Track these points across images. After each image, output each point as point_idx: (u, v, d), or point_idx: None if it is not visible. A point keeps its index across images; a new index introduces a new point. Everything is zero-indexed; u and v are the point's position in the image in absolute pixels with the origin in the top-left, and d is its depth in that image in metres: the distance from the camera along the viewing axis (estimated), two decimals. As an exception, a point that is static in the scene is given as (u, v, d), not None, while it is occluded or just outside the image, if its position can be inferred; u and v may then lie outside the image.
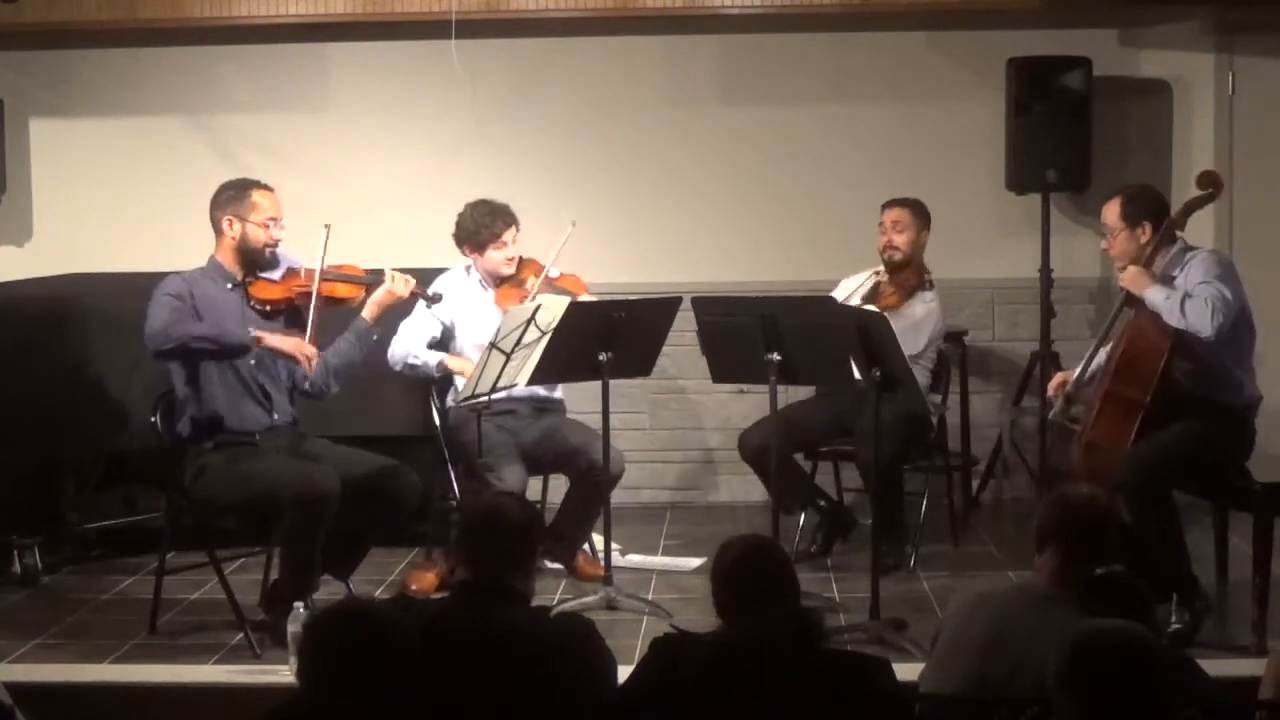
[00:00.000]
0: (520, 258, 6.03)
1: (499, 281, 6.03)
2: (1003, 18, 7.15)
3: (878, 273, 6.29)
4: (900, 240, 6.22)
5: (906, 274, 6.21)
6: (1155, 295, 5.14)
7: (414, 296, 5.58)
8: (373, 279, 5.48)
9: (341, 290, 5.43)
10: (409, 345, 5.95)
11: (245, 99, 7.36)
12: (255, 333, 5.23)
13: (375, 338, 5.53)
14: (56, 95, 7.39)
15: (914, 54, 7.28)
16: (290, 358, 5.30)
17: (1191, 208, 5.38)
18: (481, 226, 5.97)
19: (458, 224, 6.03)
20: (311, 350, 5.27)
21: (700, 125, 7.35)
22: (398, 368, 5.98)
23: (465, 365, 5.81)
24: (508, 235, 5.99)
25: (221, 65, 7.35)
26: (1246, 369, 5.23)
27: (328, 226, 5.28)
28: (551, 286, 5.92)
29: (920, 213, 6.28)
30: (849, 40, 7.29)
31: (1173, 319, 5.07)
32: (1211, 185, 5.37)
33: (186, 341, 5.15)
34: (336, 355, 5.42)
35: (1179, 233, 5.32)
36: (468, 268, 6.10)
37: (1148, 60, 7.28)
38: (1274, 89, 7.17)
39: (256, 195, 5.36)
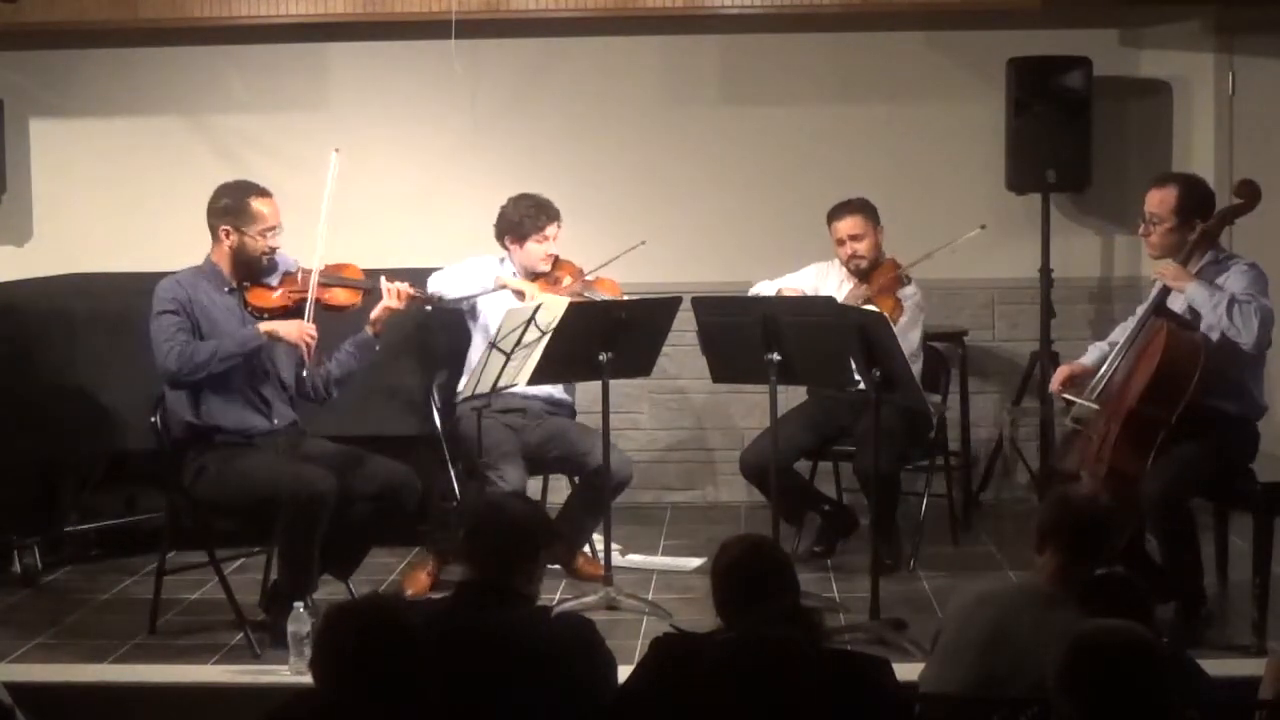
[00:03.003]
0: (557, 257, 6.04)
1: (533, 277, 6.03)
2: (1003, 18, 7.14)
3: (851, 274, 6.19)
4: (862, 248, 6.11)
5: (882, 276, 6.05)
6: (1198, 293, 5.01)
7: (410, 304, 5.56)
8: (370, 284, 5.48)
9: (339, 297, 5.43)
10: (455, 285, 5.94)
11: (245, 99, 7.36)
12: (262, 328, 5.25)
13: (377, 349, 5.52)
14: (56, 95, 7.39)
15: (914, 54, 7.27)
16: (294, 344, 5.31)
17: (1228, 217, 5.23)
18: (525, 218, 5.97)
19: (500, 215, 6.03)
20: (312, 331, 5.29)
21: (700, 125, 7.34)
22: (433, 291, 5.89)
23: (524, 285, 5.88)
24: (550, 230, 5.99)
25: (221, 65, 7.35)
26: (1258, 381, 5.16)
27: (337, 150, 5.37)
28: (588, 288, 5.92)
29: (870, 213, 6.17)
30: (849, 40, 7.29)
31: (1214, 318, 4.94)
32: (1248, 195, 5.20)
33: (212, 366, 5.18)
34: (338, 365, 5.47)
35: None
36: (502, 259, 6.10)
37: (1148, 60, 7.27)
38: (1274, 89, 7.17)
39: (255, 204, 5.33)
